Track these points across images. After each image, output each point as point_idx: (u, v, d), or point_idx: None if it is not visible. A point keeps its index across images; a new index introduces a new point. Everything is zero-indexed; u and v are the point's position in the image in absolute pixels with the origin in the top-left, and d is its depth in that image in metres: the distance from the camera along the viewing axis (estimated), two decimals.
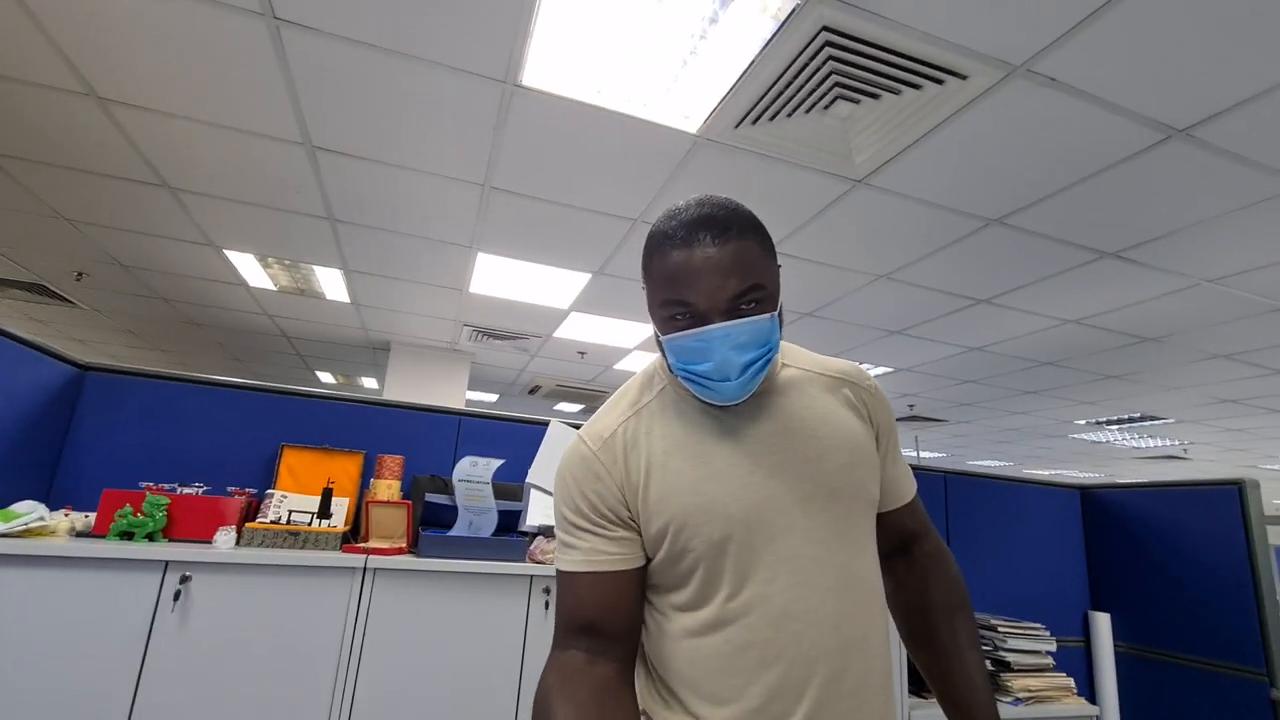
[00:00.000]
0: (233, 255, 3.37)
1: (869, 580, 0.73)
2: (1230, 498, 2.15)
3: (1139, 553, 2.48)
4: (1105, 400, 4.89)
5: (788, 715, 0.66)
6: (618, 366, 5.20)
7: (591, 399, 6.35)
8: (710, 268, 0.65)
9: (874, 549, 0.76)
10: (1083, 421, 5.68)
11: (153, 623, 1.34)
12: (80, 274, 3.89)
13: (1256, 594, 2.05)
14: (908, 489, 0.84)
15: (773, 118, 1.87)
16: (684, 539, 0.69)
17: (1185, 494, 2.33)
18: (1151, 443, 6.39)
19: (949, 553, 0.87)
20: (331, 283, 3.76)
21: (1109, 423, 5.63)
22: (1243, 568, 2.09)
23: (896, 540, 0.85)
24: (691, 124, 1.93)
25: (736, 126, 1.92)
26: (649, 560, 0.73)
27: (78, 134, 2.25)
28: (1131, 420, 5.46)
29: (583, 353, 4.87)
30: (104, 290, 4.23)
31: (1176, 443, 6.26)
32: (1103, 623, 2.43)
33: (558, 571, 0.74)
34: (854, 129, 1.91)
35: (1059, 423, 5.77)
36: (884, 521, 0.82)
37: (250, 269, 3.57)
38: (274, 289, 3.93)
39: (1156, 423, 5.44)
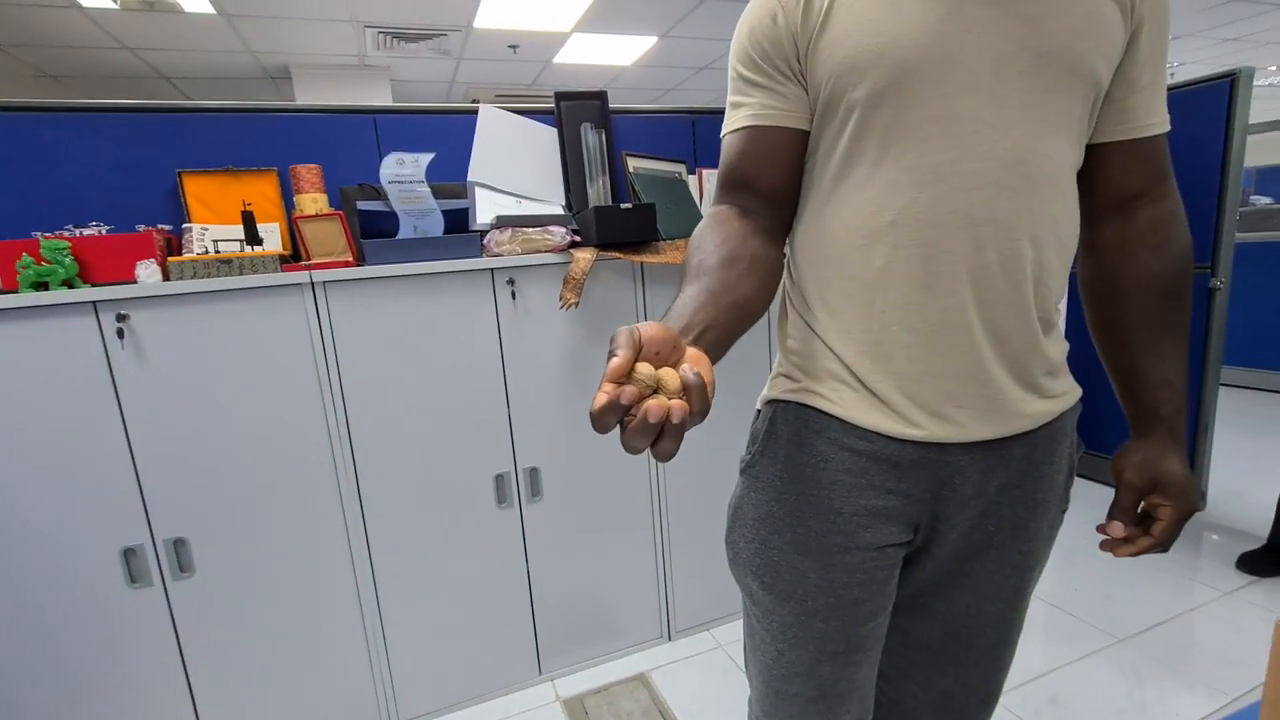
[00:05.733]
0: None
1: (1054, 160, 0.62)
2: (1219, 94, 2.02)
3: None
4: None
5: (911, 278, 0.62)
6: (558, 60, 4.57)
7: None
8: None
9: (1076, 133, 0.63)
10: None
11: (110, 365, 1.30)
12: None
13: (1220, 193, 2.07)
14: (1157, 117, 0.66)
15: None
16: (844, 83, 0.62)
17: (1170, 98, 2.21)
18: None
19: (1183, 216, 0.70)
20: None
21: None
22: (1214, 169, 2.07)
23: (1120, 194, 0.69)
24: None
25: None
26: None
27: None
28: None
29: (514, 46, 4.23)
30: None
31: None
32: None
33: (723, 139, 0.71)
34: None
35: None
36: (1109, 161, 0.68)
37: None
38: (115, 6, 3.18)
39: None
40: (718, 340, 0.55)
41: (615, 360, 0.42)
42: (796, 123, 0.67)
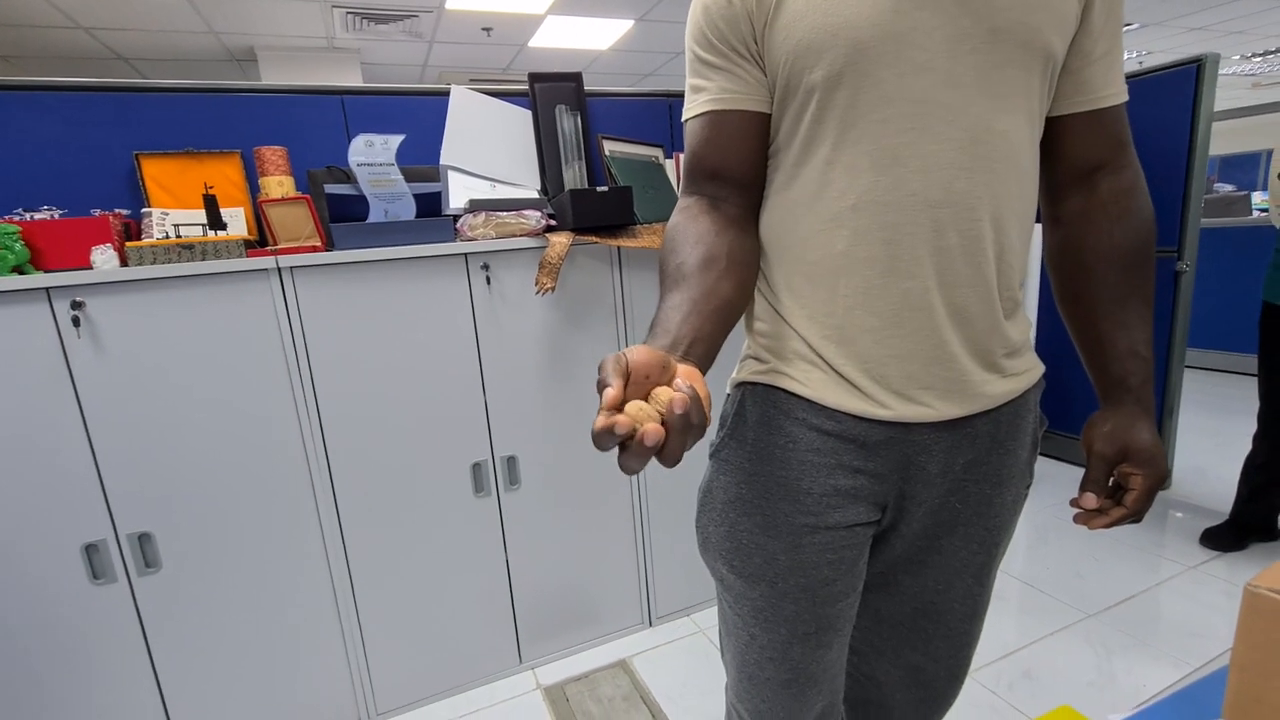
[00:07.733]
0: None
1: (1011, 138, 0.61)
2: (1185, 80, 2.05)
3: None
4: None
5: (872, 262, 0.62)
6: (533, 44, 4.50)
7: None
8: None
9: (1033, 109, 0.63)
10: None
11: (66, 355, 1.25)
12: None
13: (1187, 178, 2.10)
14: (1114, 88, 0.66)
15: None
16: (801, 66, 0.61)
17: (1136, 85, 2.24)
18: None
19: (1144, 186, 0.70)
20: None
21: None
22: (1180, 154, 2.10)
23: (1081, 165, 0.69)
24: None
25: None
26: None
27: None
28: None
29: (487, 29, 4.14)
30: None
31: (1134, 54, 6.03)
32: None
33: (685, 124, 0.70)
34: None
35: None
36: (1069, 133, 0.67)
37: None
38: None
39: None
40: (707, 351, 0.55)
41: (609, 391, 0.42)
42: (757, 105, 0.66)
